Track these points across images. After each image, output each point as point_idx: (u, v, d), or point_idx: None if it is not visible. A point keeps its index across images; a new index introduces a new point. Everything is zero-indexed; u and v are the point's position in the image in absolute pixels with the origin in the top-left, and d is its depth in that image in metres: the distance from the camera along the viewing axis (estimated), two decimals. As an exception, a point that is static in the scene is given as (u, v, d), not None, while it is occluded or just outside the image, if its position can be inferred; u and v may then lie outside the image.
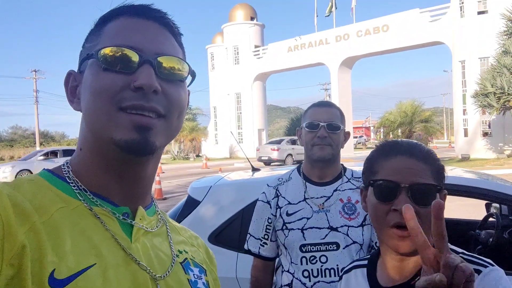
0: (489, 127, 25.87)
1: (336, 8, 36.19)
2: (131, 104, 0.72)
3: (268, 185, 2.06)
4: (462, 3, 26.32)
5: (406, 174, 1.07)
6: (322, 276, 1.84)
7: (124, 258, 0.72)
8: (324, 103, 2.03)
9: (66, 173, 0.77)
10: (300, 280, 1.86)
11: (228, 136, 39.18)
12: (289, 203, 1.95)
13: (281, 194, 1.99)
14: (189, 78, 0.82)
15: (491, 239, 3.23)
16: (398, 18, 30.71)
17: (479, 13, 25.53)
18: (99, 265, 0.68)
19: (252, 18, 40.09)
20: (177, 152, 40.85)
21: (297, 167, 2.08)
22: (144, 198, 0.82)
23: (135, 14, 0.77)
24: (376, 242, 1.93)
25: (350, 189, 1.95)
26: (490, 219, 3.65)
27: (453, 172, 3.28)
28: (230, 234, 2.76)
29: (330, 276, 1.83)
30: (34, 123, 45.90)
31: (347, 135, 2.01)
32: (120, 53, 0.73)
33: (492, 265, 1.03)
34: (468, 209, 5.27)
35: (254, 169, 3.64)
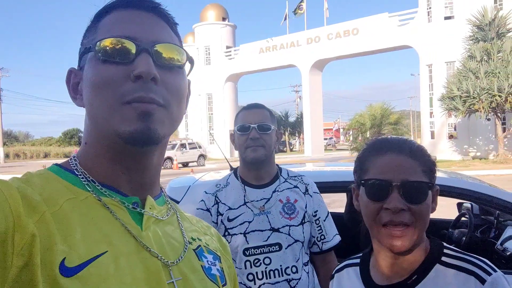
0: (455, 129, 26.60)
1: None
2: (132, 97, 0.72)
3: (206, 192, 2.05)
4: (430, 8, 26.99)
5: (397, 171, 1.06)
6: (266, 278, 1.86)
7: (135, 246, 0.73)
8: (254, 105, 2.03)
9: (74, 166, 0.78)
10: (245, 284, 1.88)
11: (199, 137, 38.93)
12: (230, 209, 1.95)
13: (220, 201, 1.99)
14: (188, 66, 0.83)
15: (464, 238, 3.28)
16: (368, 21, 31.23)
17: (446, 18, 26.24)
18: (110, 253, 0.69)
19: (223, 19, 40.02)
20: (147, 153, 40.30)
21: (233, 172, 2.09)
22: (152, 188, 0.83)
23: (129, 6, 0.78)
24: (317, 238, 1.99)
25: (288, 188, 1.98)
26: (463, 218, 3.71)
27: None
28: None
29: (275, 277, 1.86)
30: (-3, 122, 44.44)
31: (279, 135, 2.04)
32: (118, 44, 0.74)
33: (494, 270, 1.05)
34: (440, 209, 5.36)
35: (233, 169, 3.59)
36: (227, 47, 39.33)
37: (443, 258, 1.10)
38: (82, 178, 0.76)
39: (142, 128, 0.72)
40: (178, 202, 2.85)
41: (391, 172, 1.06)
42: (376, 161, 1.10)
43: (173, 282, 0.75)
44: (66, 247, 0.65)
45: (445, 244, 1.15)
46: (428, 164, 1.11)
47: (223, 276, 0.88)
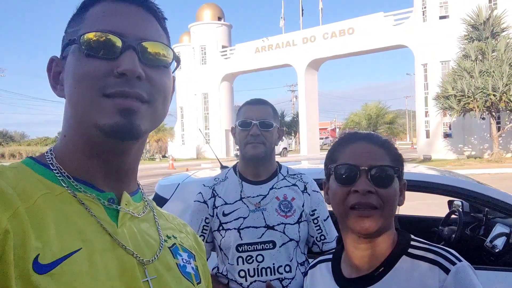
0: (450, 128, 26.67)
1: (302, 14, 36.57)
2: (114, 91, 0.71)
3: (204, 185, 2.03)
4: (425, 8, 27.04)
5: (365, 157, 1.12)
6: (258, 276, 1.84)
7: (110, 243, 0.72)
8: (257, 100, 2.00)
9: (50, 160, 0.76)
10: (236, 281, 1.86)
11: (195, 137, 38.88)
12: (225, 203, 1.93)
13: (217, 194, 1.97)
14: (174, 64, 0.81)
15: (453, 235, 3.31)
16: (363, 21, 31.25)
17: (441, 17, 26.29)
18: (85, 250, 0.67)
19: (219, 18, 39.95)
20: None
21: (232, 166, 2.07)
22: (129, 184, 0.81)
23: None
24: (316, 238, 1.96)
25: (286, 186, 1.96)
26: (453, 216, 3.74)
27: (417, 169, 3.34)
28: (197, 232, 2.71)
29: (267, 275, 1.83)
30: (-8, 122, 44.17)
31: (281, 132, 2.02)
32: (103, 38, 0.72)
33: (459, 260, 1.06)
34: (431, 208, 5.40)
35: (223, 167, 3.60)
36: (223, 47, 39.27)
37: (410, 250, 1.12)
38: (57, 173, 0.73)
39: (124, 123, 0.71)
40: (167, 200, 2.84)
41: (359, 158, 1.12)
42: (346, 149, 1.16)
43: (147, 280, 0.74)
44: (40, 244, 0.63)
45: (413, 236, 1.18)
46: (396, 155, 1.16)
47: (197, 274, 0.87)
